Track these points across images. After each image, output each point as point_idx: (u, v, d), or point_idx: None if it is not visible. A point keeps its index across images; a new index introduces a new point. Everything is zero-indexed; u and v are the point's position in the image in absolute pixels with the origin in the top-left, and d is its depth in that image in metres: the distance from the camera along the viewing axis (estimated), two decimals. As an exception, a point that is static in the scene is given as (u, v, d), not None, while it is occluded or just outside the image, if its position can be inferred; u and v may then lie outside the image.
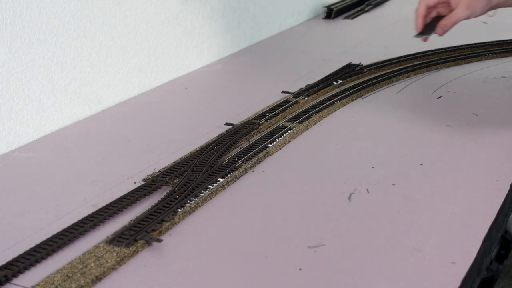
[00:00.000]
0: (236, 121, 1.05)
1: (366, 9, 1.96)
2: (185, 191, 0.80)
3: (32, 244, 0.69)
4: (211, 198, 0.80)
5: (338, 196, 0.80)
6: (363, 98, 1.16)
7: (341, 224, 0.74)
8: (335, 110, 1.10)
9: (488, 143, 0.95)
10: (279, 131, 1.00)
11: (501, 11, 1.57)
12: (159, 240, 0.70)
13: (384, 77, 1.24)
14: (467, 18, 1.09)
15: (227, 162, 0.89)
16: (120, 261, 0.66)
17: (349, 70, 1.29)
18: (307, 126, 1.03)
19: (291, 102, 1.12)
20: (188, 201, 0.78)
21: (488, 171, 0.86)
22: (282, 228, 0.73)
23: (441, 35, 1.12)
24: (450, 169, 0.87)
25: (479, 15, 1.11)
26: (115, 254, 0.67)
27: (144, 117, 1.12)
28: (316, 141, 0.99)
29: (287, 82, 1.26)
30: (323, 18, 1.89)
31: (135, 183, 0.85)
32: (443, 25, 1.10)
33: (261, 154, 0.91)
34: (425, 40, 1.14)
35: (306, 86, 1.21)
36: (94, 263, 0.66)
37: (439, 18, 1.13)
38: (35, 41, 0.99)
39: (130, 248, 0.68)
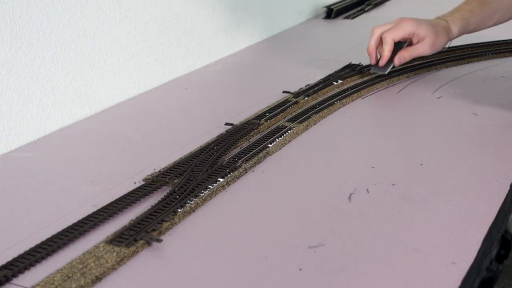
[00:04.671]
0: (236, 121, 1.05)
1: (366, 9, 1.96)
2: (185, 191, 0.80)
3: (32, 244, 0.69)
4: (211, 198, 0.80)
5: (338, 196, 0.80)
6: (363, 98, 1.16)
7: (341, 224, 0.74)
8: (335, 110, 1.10)
9: (488, 143, 0.95)
10: (279, 131, 1.00)
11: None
12: (159, 240, 0.70)
13: (384, 77, 1.24)
14: (429, 54, 1.21)
15: (227, 162, 0.89)
16: (120, 261, 0.66)
17: (349, 70, 1.29)
18: (307, 126, 1.02)
19: (291, 102, 1.12)
20: (188, 201, 0.78)
21: (488, 171, 0.86)
22: (282, 228, 0.73)
23: (397, 65, 1.20)
24: (450, 169, 0.87)
25: (440, 50, 1.23)
26: (115, 254, 0.67)
27: (144, 117, 1.12)
28: (316, 141, 0.99)
29: (287, 82, 1.26)
30: (323, 18, 1.89)
31: (135, 183, 0.85)
32: (403, 57, 1.19)
33: (261, 154, 0.91)
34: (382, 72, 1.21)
35: (306, 86, 1.21)
36: (94, 263, 0.66)
37: (398, 46, 1.20)
38: (35, 41, 0.99)
39: (130, 248, 0.68)
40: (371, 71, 1.22)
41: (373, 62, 1.22)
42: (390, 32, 1.18)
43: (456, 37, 1.24)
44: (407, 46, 1.21)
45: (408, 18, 1.19)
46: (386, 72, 1.19)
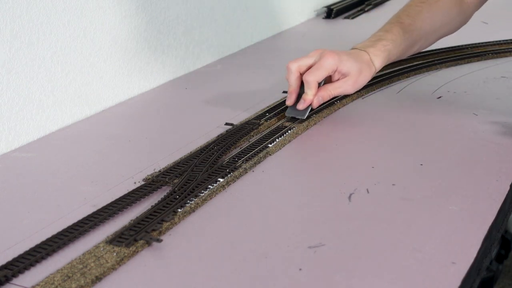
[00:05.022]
0: (236, 121, 1.05)
1: (366, 9, 1.96)
2: (185, 191, 0.80)
3: (32, 244, 0.69)
4: (211, 198, 0.80)
5: (338, 196, 0.80)
6: (363, 98, 1.16)
7: (341, 224, 0.74)
8: (335, 110, 1.10)
9: (488, 143, 0.95)
10: (279, 131, 1.00)
11: (502, 10, 1.56)
12: (159, 240, 0.70)
13: (384, 77, 1.24)
14: (351, 93, 1.08)
15: (227, 162, 0.89)
16: (120, 261, 0.66)
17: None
18: (307, 126, 1.02)
19: (291, 102, 1.12)
20: (188, 201, 0.78)
21: (488, 171, 0.86)
22: (282, 228, 0.73)
23: (315, 107, 1.05)
24: (450, 169, 0.87)
25: (361, 87, 1.08)
26: (115, 254, 0.67)
27: (144, 117, 1.12)
28: (316, 141, 0.99)
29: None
30: (323, 18, 1.89)
31: (135, 183, 0.85)
32: (321, 97, 1.03)
33: (261, 154, 0.91)
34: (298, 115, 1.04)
35: (306, 86, 1.21)
36: (94, 263, 0.66)
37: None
38: (35, 41, 0.99)
39: (130, 248, 0.68)
40: (286, 114, 1.05)
41: (292, 103, 1.04)
42: (312, 74, 1.01)
43: (378, 70, 1.09)
44: (326, 82, 1.05)
45: (328, 51, 1.03)
46: (305, 117, 1.03)
